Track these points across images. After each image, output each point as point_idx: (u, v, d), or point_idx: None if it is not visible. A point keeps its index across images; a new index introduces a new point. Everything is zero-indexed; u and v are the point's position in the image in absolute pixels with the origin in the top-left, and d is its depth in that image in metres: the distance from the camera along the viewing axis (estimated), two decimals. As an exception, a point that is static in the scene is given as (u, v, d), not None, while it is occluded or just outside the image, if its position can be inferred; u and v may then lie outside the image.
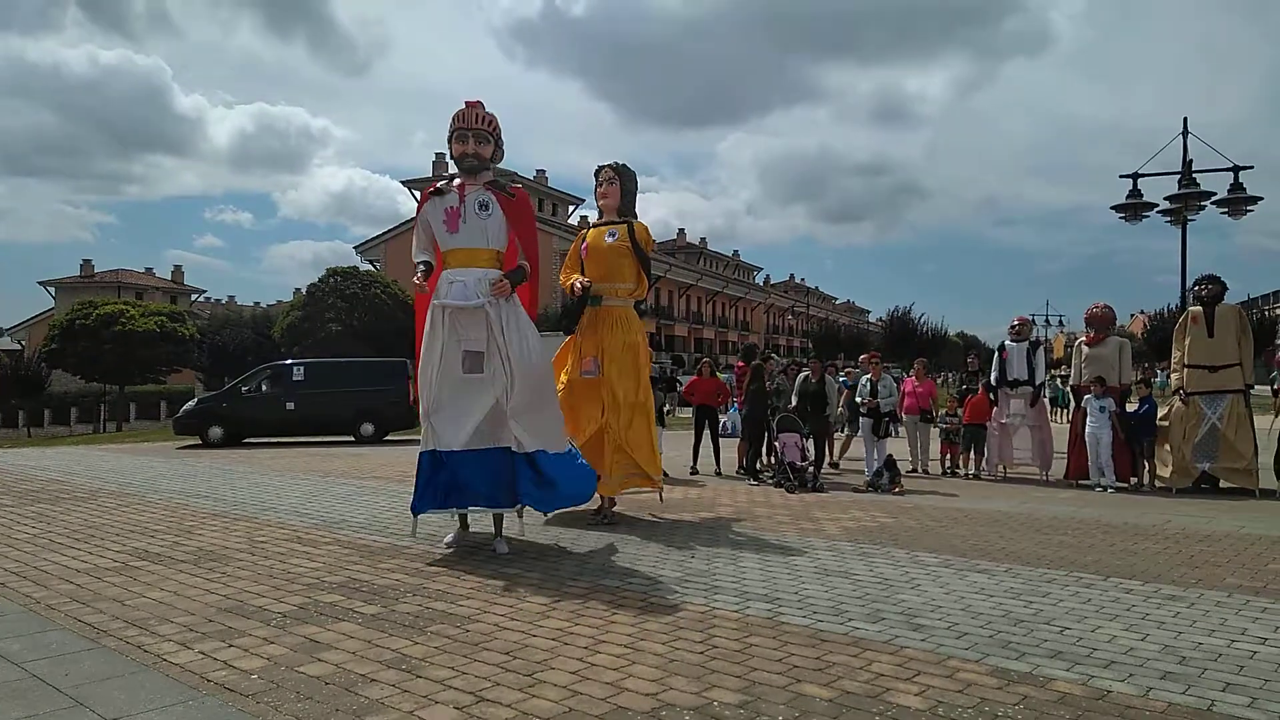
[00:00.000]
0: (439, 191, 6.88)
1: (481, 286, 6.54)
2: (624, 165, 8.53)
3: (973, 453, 11.88)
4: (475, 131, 6.78)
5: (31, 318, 66.24)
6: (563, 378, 8.21)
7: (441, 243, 6.81)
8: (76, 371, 44.14)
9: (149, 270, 73.98)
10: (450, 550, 6.66)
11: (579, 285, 8.07)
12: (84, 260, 70.29)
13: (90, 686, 3.73)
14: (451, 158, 6.98)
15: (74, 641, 4.36)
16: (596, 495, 7.78)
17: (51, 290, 64.68)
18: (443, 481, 6.47)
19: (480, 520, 7.34)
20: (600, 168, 8.54)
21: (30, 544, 6.84)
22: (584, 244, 8.40)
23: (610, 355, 8.09)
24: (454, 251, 6.73)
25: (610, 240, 8.24)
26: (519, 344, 6.58)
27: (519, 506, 6.66)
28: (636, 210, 8.68)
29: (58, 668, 3.97)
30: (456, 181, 6.90)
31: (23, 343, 61.31)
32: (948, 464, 12.21)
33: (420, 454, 6.67)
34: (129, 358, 41.09)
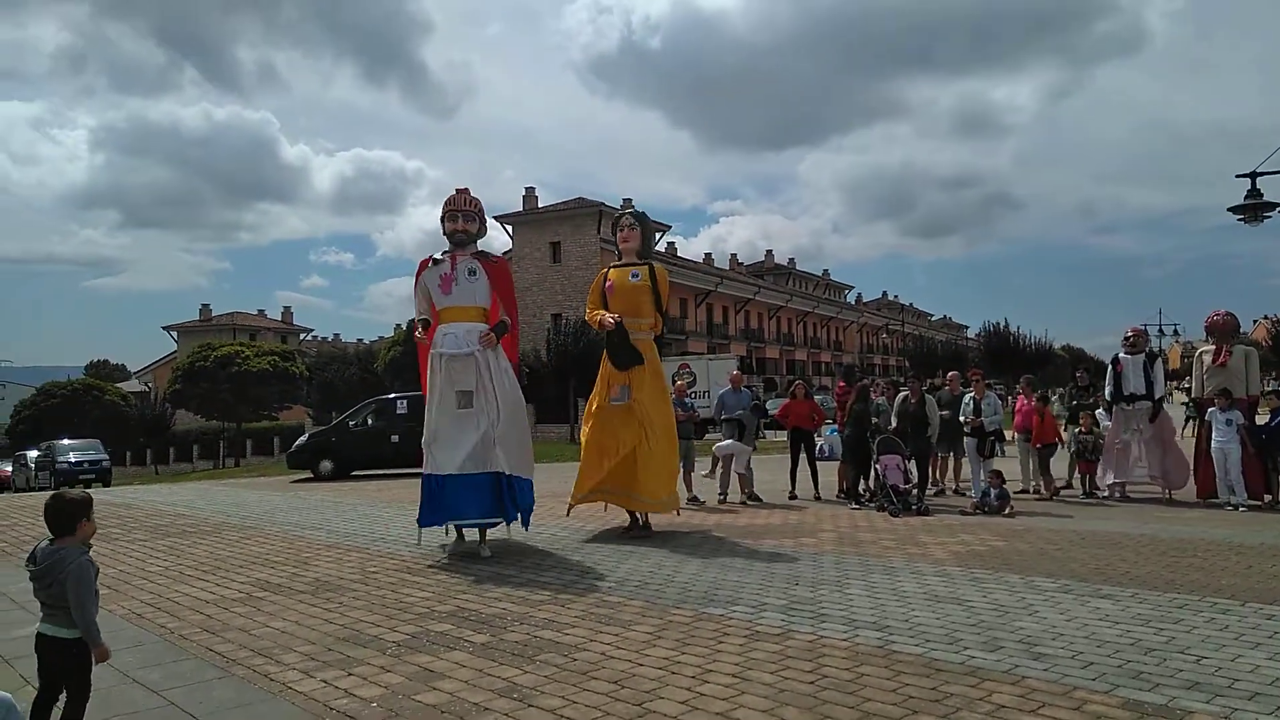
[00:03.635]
0: (436, 262, 8.16)
1: (470, 337, 7.87)
2: (643, 213, 9.61)
3: (1049, 474, 11.44)
4: (464, 212, 8.20)
5: (156, 361, 70.54)
6: (592, 406, 9.12)
7: (437, 302, 8.11)
8: (198, 411, 46.80)
9: (261, 312, 77.88)
10: (446, 555, 7.85)
11: (609, 320, 8.85)
12: (202, 305, 74.73)
13: (223, 713, 3.92)
14: (445, 234, 8.31)
15: (206, 670, 4.59)
16: (628, 513, 9.01)
17: (174, 334, 68.76)
18: (441, 500, 7.71)
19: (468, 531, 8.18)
20: (621, 214, 9.67)
21: (163, 576, 7.25)
22: (608, 282, 9.19)
23: (638, 383, 8.84)
24: (448, 309, 8.06)
25: (634, 280, 9.10)
26: (503, 384, 7.90)
27: (505, 522, 7.89)
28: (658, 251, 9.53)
29: (192, 695, 4.18)
30: (448, 252, 8.20)
31: (150, 385, 65.28)
32: (1086, 484, 11.62)
33: (423, 477, 7.93)
34: (244, 396, 43.30)
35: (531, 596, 6.11)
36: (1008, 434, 12.36)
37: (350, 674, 4.43)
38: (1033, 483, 11.78)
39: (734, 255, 78.08)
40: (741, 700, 3.88)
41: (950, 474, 12.70)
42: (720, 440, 12.03)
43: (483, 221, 8.41)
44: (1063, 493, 11.68)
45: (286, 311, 79.75)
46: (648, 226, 9.54)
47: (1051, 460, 11.69)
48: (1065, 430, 12.13)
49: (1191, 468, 10.65)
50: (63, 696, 3.41)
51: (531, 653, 4.70)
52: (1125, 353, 11.13)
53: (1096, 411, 11.83)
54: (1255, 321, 73.12)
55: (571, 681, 4.20)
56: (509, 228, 53.57)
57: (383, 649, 4.86)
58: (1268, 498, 10.05)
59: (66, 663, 3.36)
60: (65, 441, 33.53)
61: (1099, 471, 11.45)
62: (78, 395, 45.93)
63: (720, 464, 11.86)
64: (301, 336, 76.43)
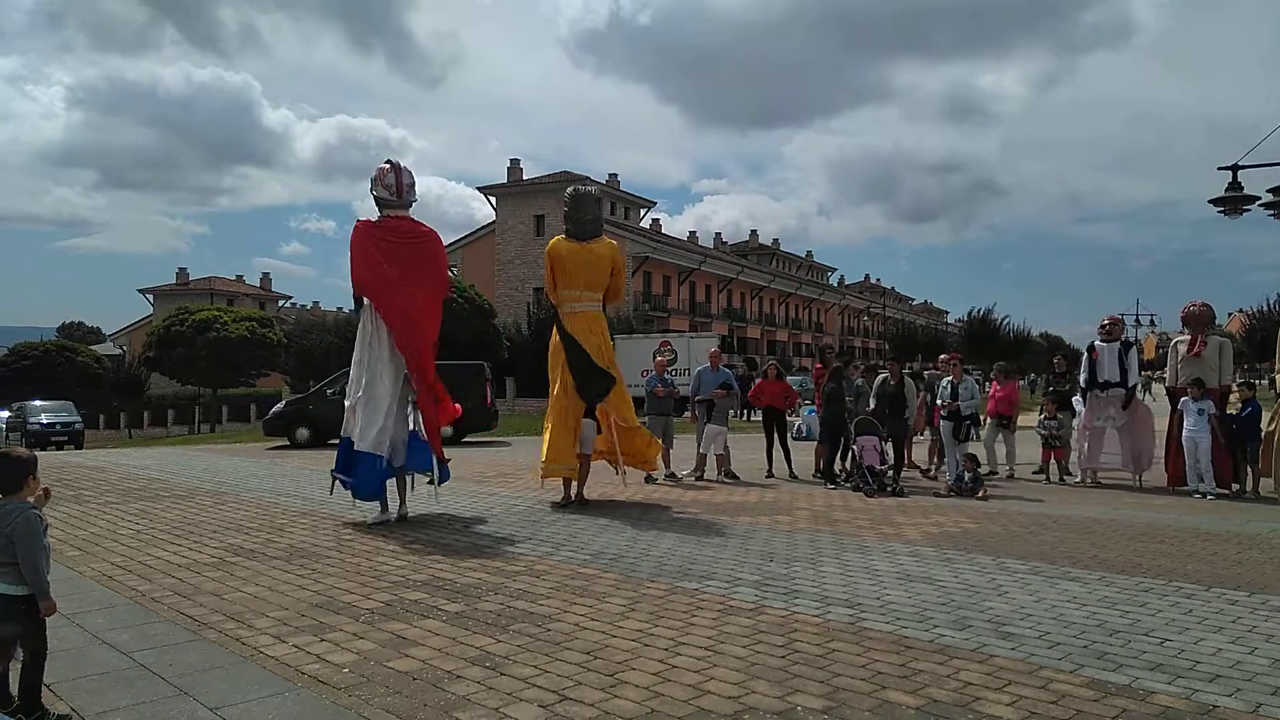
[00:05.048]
0: None
1: None
2: (570, 190, 9.73)
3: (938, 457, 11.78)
4: None
5: (132, 324, 69.56)
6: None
7: None
8: (173, 375, 46.24)
9: (239, 278, 76.96)
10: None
11: None
12: (179, 268, 73.73)
13: (193, 676, 3.90)
14: None
15: (177, 633, 4.57)
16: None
17: (150, 297, 67.82)
18: None
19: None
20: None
21: (135, 539, 7.19)
22: None
23: None
24: None
25: None
26: (358, 355, 8.42)
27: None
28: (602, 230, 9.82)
29: (163, 657, 4.16)
30: None
31: (124, 348, 64.42)
32: (1049, 470, 11.75)
33: None
34: (221, 362, 42.83)
35: (506, 567, 6.11)
36: (982, 418, 12.47)
37: (323, 640, 4.42)
38: (998, 465, 11.96)
39: (718, 234, 78.09)
40: (713, 673, 3.91)
41: (935, 456, 12.80)
42: (701, 425, 11.98)
43: (375, 197, 8.60)
44: (1033, 476, 11.82)
45: (265, 278, 78.87)
46: (568, 205, 9.58)
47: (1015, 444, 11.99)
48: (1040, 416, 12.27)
49: (1163, 455, 10.79)
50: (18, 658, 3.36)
51: (505, 622, 4.71)
52: (1101, 341, 11.22)
53: (1074, 399, 11.95)
54: (1230, 314, 74.15)
55: (544, 651, 4.21)
56: (492, 199, 53.10)
57: (356, 616, 4.85)
58: (1235, 487, 10.21)
59: (18, 620, 3.29)
60: (37, 403, 33.10)
61: (1072, 457, 11.56)
62: (50, 356, 45.24)
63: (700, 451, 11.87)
64: (280, 304, 75.60)
